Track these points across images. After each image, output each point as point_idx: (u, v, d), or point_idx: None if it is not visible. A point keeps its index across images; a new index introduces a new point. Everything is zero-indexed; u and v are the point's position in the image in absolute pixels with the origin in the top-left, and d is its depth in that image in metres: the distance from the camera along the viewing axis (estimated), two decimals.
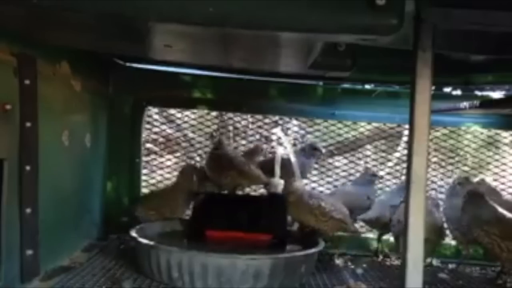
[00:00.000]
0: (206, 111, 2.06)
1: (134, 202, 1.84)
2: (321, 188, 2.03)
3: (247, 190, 1.91)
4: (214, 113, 2.12)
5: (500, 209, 1.56)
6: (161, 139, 2.13)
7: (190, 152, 2.13)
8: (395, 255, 1.78)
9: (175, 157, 2.14)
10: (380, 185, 1.99)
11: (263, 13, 0.89)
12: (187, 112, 2.09)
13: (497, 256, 1.52)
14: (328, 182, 2.05)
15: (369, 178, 1.89)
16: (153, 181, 2.04)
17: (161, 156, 2.12)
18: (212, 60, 1.65)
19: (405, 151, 1.94)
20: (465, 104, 1.62)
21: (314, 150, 1.90)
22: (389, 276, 1.59)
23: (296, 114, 2.06)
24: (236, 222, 1.64)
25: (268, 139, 2.16)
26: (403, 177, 1.69)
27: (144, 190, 1.99)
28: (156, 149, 2.13)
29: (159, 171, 2.08)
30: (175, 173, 1.89)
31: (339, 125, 2.04)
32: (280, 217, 1.66)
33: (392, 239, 1.79)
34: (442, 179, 2.05)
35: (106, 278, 1.41)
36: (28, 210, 1.24)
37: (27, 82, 1.23)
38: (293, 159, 1.81)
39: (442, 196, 1.84)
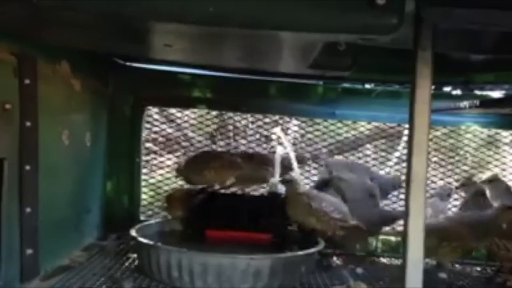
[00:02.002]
0: (206, 110, 2.06)
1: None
2: None
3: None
4: (214, 113, 2.12)
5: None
6: (161, 139, 2.13)
7: (190, 152, 2.13)
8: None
9: (175, 156, 2.14)
10: None
11: (263, 13, 0.89)
12: (187, 112, 2.09)
13: (495, 254, 1.52)
14: None
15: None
16: (153, 180, 2.04)
17: (161, 155, 2.12)
18: (212, 60, 1.65)
19: (405, 151, 1.94)
20: (465, 103, 1.62)
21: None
22: (389, 276, 1.59)
23: (296, 113, 2.06)
24: (236, 221, 1.64)
25: (268, 139, 2.15)
26: (403, 177, 1.69)
27: (144, 190, 1.99)
28: (156, 148, 2.13)
29: (159, 171, 2.08)
30: (175, 173, 1.89)
31: (339, 124, 2.04)
32: (280, 217, 1.66)
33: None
34: (442, 179, 2.05)
35: (106, 277, 1.40)
36: (28, 210, 1.24)
37: (27, 81, 1.22)
38: (293, 158, 1.81)
39: None
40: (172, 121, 2.13)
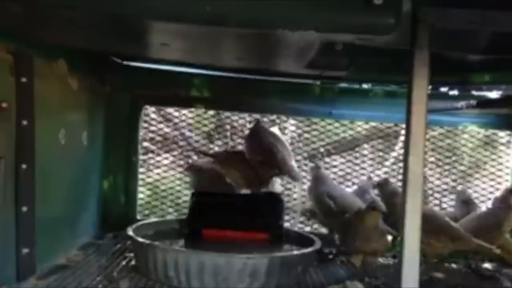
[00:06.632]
0: (203, 110, 2.06)
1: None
2: None
3: None
4: (211, 112, 2.12)
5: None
6: (158, 138, 2.13)
7: (187, 151, 2.13)
8: None
9: (172, 155, 2.14)
10: None
11: (259, 12, 0.90)
12: (185, 111, 2.09)
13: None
14: None
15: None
16: (150, 179, 2.05)
17: (158, 154, 2.12)
18: (209, 59, 1.65)
19: (402, 151, 1.94)
20: (462, 103, 1.62)
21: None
22: (385, 275, 1.59)
23: (293, 113, 2.06)
24: (233, 220, 1.64)
25: None
26: (400, 176, 1.69)
27: (141, 189, 1.99)
28: (153, 147, 2.13)
29: (156, 170, 2.08)
30: (172, 172, 1.89)
31: (336, 124, 2.04)
32: (277, 216, 1.66)
33: None
34: (439, 179, 2.05)
35: (103, 276, 1.40)
36: (24, 209, 1.24)
37: (23, 80, 1.22)
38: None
39: None
40: (169, 120, 2.13)
